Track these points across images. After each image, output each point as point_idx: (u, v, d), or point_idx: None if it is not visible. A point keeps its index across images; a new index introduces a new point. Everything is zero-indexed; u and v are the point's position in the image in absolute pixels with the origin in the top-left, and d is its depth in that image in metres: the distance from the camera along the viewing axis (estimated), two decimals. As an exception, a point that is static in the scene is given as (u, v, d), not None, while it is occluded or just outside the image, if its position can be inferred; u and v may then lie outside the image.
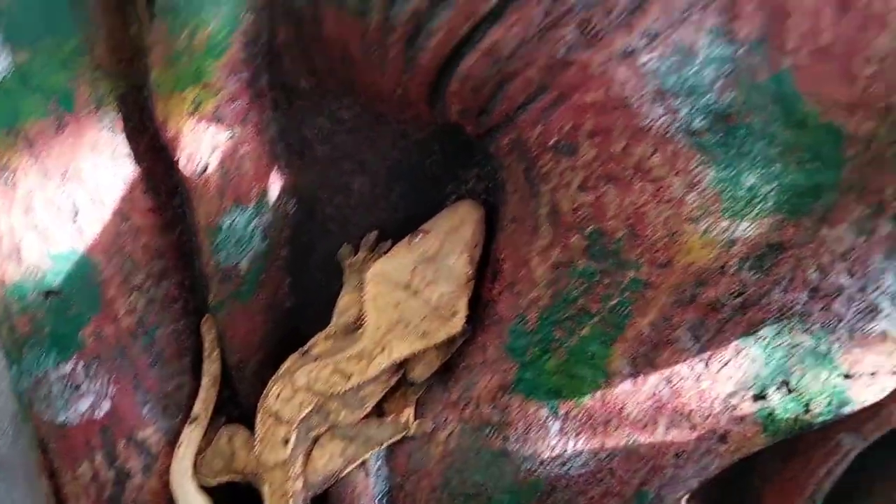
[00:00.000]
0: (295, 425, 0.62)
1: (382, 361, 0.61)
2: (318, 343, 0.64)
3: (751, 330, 0.61)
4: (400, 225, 0.64)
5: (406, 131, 0.59)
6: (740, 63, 0.49)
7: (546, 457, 0.67)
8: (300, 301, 0.67)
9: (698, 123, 0.51)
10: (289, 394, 0.62)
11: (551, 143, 0.52)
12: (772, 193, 0.53)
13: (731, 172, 0.52)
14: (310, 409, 0.62)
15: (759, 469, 0.91)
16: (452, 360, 0.69)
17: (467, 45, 0.50)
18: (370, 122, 0.58)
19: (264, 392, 0.64)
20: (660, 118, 0.50)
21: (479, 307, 0.67)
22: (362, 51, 0.51)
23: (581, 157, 0.52)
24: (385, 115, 0.57)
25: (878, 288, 0.61)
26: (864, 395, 0.68)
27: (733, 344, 0.62)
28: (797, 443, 0.84)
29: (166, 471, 0.66)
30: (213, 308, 0.63)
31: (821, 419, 0.70)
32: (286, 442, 0.63)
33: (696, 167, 0.52)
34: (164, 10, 0.45)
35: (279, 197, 0.59)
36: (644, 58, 0.49)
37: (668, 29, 0.48)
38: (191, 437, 0.65)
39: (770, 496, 0.90)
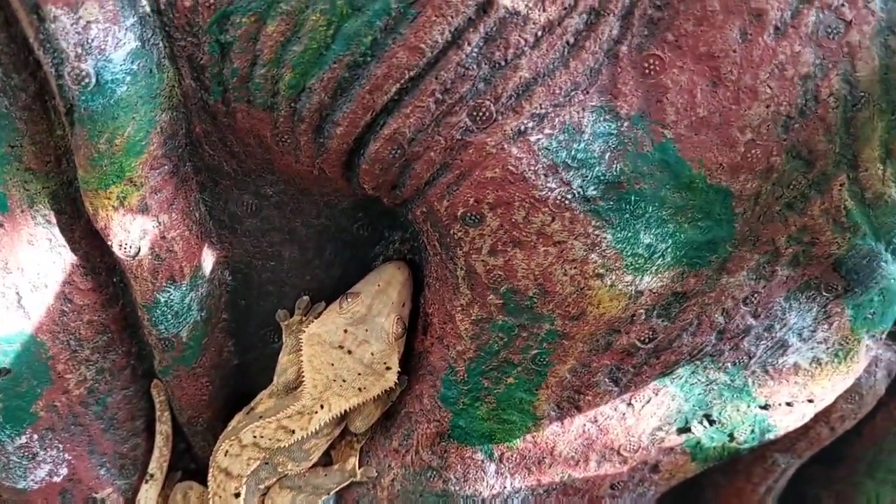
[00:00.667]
0: (244, 480, 0.66)
1: (323, 417, 0.64)
2: (262, 401, 0.68)
3: (666, 371, 0.65)
4: (335, 283, 0.68)
5: (330, 201, 0.63)
6: (625, 136, 0.53)
7: (486, 496, 0.71)
8: (245, 359, 0.71)
9: (592, 192, 0.54)
10: (237, 450, 0.66)
11: (459, 214, 0.56)
12: (669, 250, 0.57)
13: (628, 234, 0.56)
14: (257, 463, 0.66)
15: (709, 485, 0.94)
16: (394, 408, 0.72)
17: (370, 133, 0.53)
18: (294, 196, 0.62)
19: (214, 449, 0.68)
20: (555, 189, 0.54)
21: (413, 358, 0.70)
22: (275, 140, 0.55)
23: (487, 226, 0.56)
24: (309, 189, 0.61)
25: (784, 325, 0.64)
26: (784, 422, 0.71)
27: (652, 385, 0.66)
28: (736, 462, 0.88)
29: (127, 528, 0.70)
30: (160, 373, 0.66)
31: (747, 445, 0.74)
32: (237, 496, 0.66)
33: (594, 231, 0.56)
34: (81, 120, 0.49)
35: (213, 269, 0.63)
36: (535, 137, 0.52)
37: (554, 110, 0.52)
38: (147, 496, 0.69)
39: (719, 510, 0.94)
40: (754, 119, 0.52)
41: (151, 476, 0.69)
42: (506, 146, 0.52)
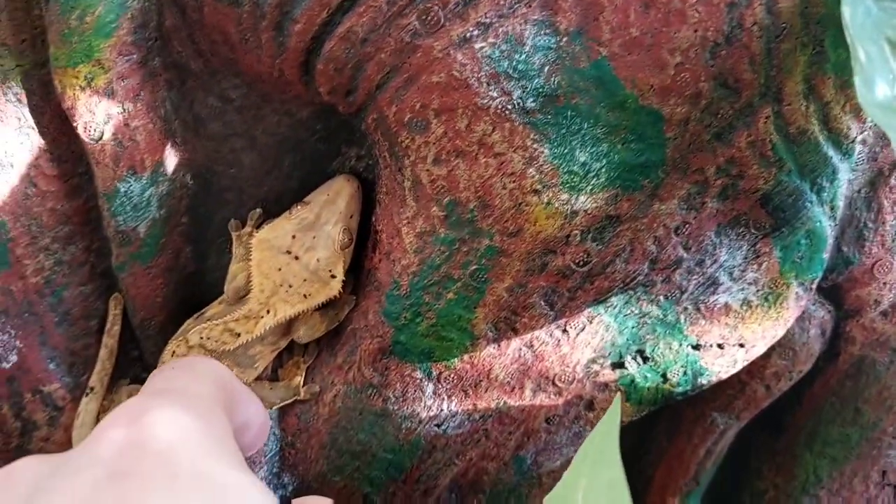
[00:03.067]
0: None
1: (268, 322, 0.67)
2: (212, 307, 0.71)
3: (600, 298, 0.68)
4: (292, 195, 0.71)
5: (290, 110, 0.66)
6: (563, 51, 0.56)
7: (423, 416, 0.73)
8: (202, 267, 0.74)
9: (531, 104, 0.58)
10: (183, 351, 0.69)
11: (406, 120, 0.59)
12: (603, 170, 0.60)
13: (565, 150, 0.59)
14: None
15: (654, 449, 0.97)
16: (342, 326, 0.75)
17: (327, 31, 0.57)
18: (257, 102, 0.65)
19: (162, 351, 0.70)
20: (496, 98, 0.57)
21: (363, 275, 0.73)
22: (239, 36, 0.58)
23: (432, 133, 0.59)
24: (270, 94, 0.64)
25: (715, 261, 0.67)
26: (716, 366, 0.74)
27: (586, 311, 0.69)
28: (679, 423, 0.91)
29: (72, 424, 0.72)
30: (116, 268, 0.69)
31: (681, 388, 0.76)
32: None
33: (532, 144, 0.59)
34: (55, -7, 0.53)
35: (175, 170, 0.66)
36: (479, 45, 0.56)
37: (498, 20, 0.56)
38: (87, 409, 0.71)
39: (659, 474, 0.96)
40: (683, 42, 0.56)
41: (92, 389, 0.71)
42: (451, 52, 0.56)
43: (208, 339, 0.68)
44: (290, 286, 0.66)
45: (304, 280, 0.66)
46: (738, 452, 0.97)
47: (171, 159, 0.65)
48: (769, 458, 0.97)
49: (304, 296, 0.67)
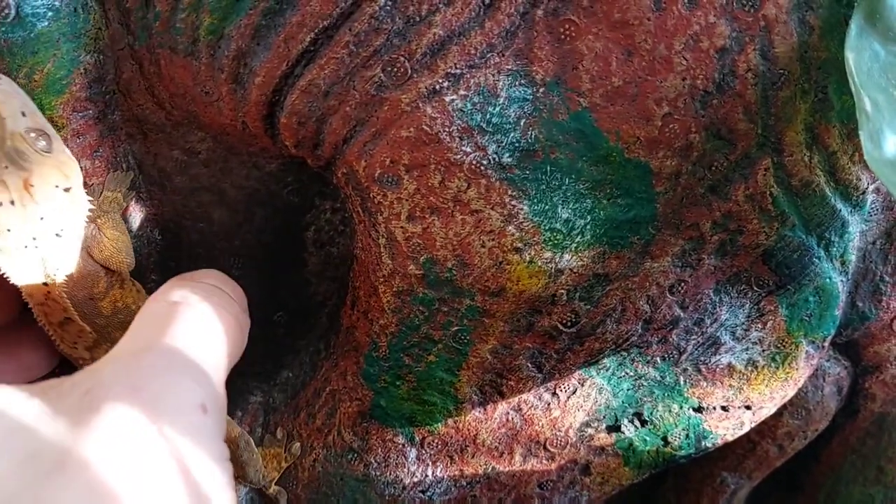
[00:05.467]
0: None
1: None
2: None
3: (591, 359, 0.63)
4: (265, 249, 0.67)
5: (258, 163, 0.63)
6: (540, 103, 0.52)
7: (407, 483, 0.69)
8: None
9: (507, 159, 0.54)
10: None
11: (376, 175, 0.55)
12: (588, 227, 0.56)
13: (545, 206, 0.55)
14: None
15: (660, 506, 0.91)
16: (320, 387, 0.71)
17: (288, 83, 0.53)
18: (223, 155, 0.62)
19: None
20: (470, 154, 0.53)
21: (342, 334, 0.69)
22: (198, 89, 0.55)
23: (404, 189, 0.56)
24: (236, 147, 0.61)
25: (715, 320, 0.63)
26: (721, 428, 0.69)
27: (577, 373, 0.64)
28: (687, 481, 0.85)
29: None
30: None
31: (683, 452, 0.71)
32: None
33: (511, 201, 0.55)
34: (1, 52, 0.50)
35: (141, 225, 0.63)
36: (449, 97, 0.52)
37: (469, 71, 0.52)
38: None
39: (668, 533, 0.90)
40: (670, 91, 0.52)
41: None
42: (420, 105, 0.52)
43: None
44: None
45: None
46: (755, 510, 0.91)
47: (136, 215, 0.62)
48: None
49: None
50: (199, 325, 0.49)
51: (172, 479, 0.38)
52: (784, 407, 0.71)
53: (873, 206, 0.62)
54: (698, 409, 0.67)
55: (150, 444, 0.38)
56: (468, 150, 0.53)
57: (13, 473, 0.34)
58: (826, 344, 0.66)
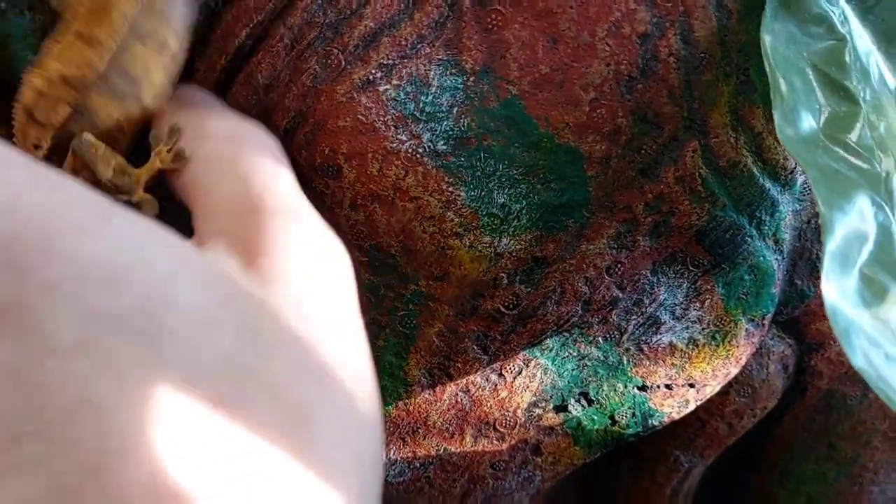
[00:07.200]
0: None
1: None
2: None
3: (534, 341, 0.65)
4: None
5: (208, 158, 0.64)
6: (471, 91, 0.54)
7: (362, 466, 0.70)
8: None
9: (442, 147, 0.55)
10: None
11: (317, 165, 0.57)
12: (524, 211, 0.58)
13: (482, 192, 0.57)
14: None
15: (619, 488, 0.93)
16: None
17: (229, 77, 0.55)
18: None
19: None
20: (406, 142, 0.55)
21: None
22: (143, 84, 0.57)
23: (345, 177, 0.57)
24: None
25: (654, 300, 0.64)
26: (666, 406, 0.71)
27: (521, 355, 0.66)
28: (641, 461, 0.87)
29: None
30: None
31: (631, 430, 0.73)
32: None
33: (448, 188, 0.57)
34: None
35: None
36: (383, 87, 0.54)
37: (401, 61, 0.54)
38: None
39: (628, 514, 0.92)
40: (596, 77, 0.53)
41: None
42: (355, 95, 0.54)
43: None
44: None
45: None
46: (713, 490, 0.93)
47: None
48: (744, 496, 0.93)
49: None
50: None
51: None
52: (730, 385, 0.73)
53: (805, 185, 0.64)
54: (643, 388, 0.69)
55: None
56: (403, 138, 0.55)
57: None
58: (766, 322, 0.68)
